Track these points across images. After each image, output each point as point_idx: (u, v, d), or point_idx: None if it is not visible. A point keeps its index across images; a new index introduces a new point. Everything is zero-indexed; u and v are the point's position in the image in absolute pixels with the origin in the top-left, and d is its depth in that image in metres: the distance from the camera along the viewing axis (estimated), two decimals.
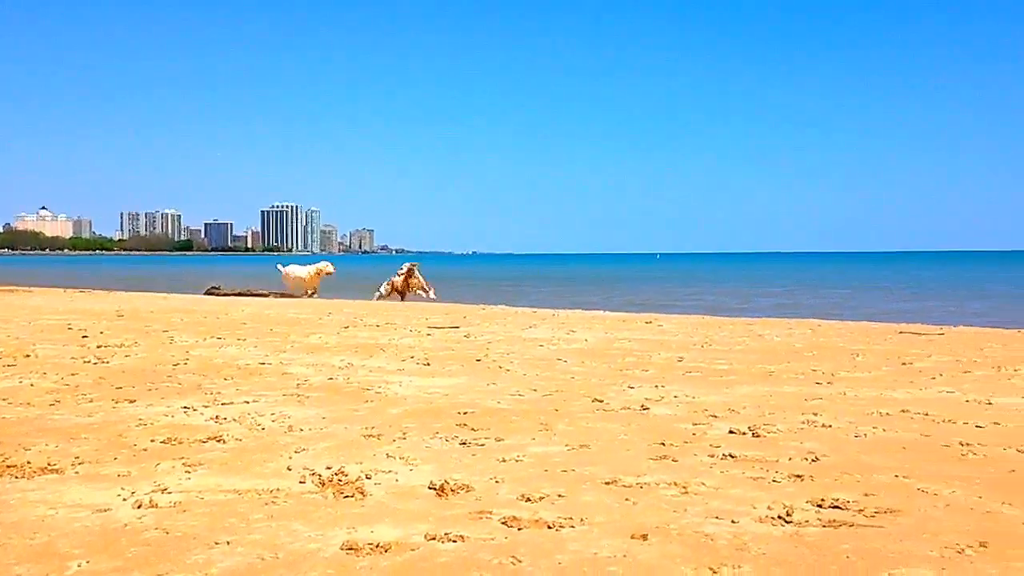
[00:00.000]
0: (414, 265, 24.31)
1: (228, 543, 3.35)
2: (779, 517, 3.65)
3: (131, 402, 6.44)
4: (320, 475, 4.33)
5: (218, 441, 5.13)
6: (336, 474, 4.34)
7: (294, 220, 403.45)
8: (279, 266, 26.62)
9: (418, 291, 23.84)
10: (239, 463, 4.62)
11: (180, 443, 5.08)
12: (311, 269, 25.59)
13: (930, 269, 73.13)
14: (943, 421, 5.73)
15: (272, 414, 5.96)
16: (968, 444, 5.00)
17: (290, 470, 4.46)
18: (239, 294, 25.58)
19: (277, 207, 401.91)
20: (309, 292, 25.16)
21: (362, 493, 4.03)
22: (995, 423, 5.65)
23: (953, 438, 5.17)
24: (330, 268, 25.75)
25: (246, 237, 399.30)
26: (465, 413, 6.03)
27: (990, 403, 6.46)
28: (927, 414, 5.97)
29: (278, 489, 4.11)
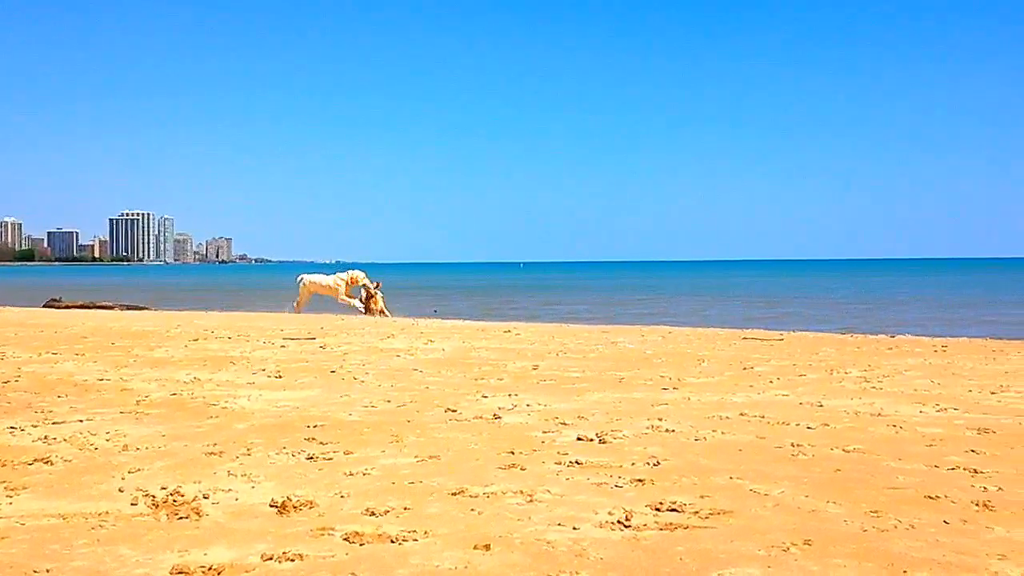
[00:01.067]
0: (359, 280, 21.48)
1: (48, 571, 3.17)
2: (619, 522, 3.73)
3: None
4: (154, 496, 4.15)
5: (45, 463, 4.84)
6: (171, 494, 4.16)
7: (146, 228, 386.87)
8: (300, 277, 22.51)
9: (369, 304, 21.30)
10: (66, 486, 4.37)
11: (3, 466, 4.78)
12: (343, 277, 21.73)
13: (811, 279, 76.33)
14: (777, 423, 6.00)
15: (107, 433, 5.68)
16: (799, 445, 5.26)
17: (122, 492, 4.25)
18: (82, 306, 24.33)
19: (127, 215, 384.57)
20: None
21: (198, 514, 3.88)
22: (825, 424, 5.96)
23: (786, 440, 5.42)
24: (362, 278, 21.66)
25: (93, 246, 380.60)
26: (315, 427, 5.91)
27: (821, 405, 6.82)
28: (763, 417, 6.24)
29: (107, 512, 3.91)
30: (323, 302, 22.28)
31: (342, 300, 21.51)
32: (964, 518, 3.79)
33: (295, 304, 22.06)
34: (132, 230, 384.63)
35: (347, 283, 21.60)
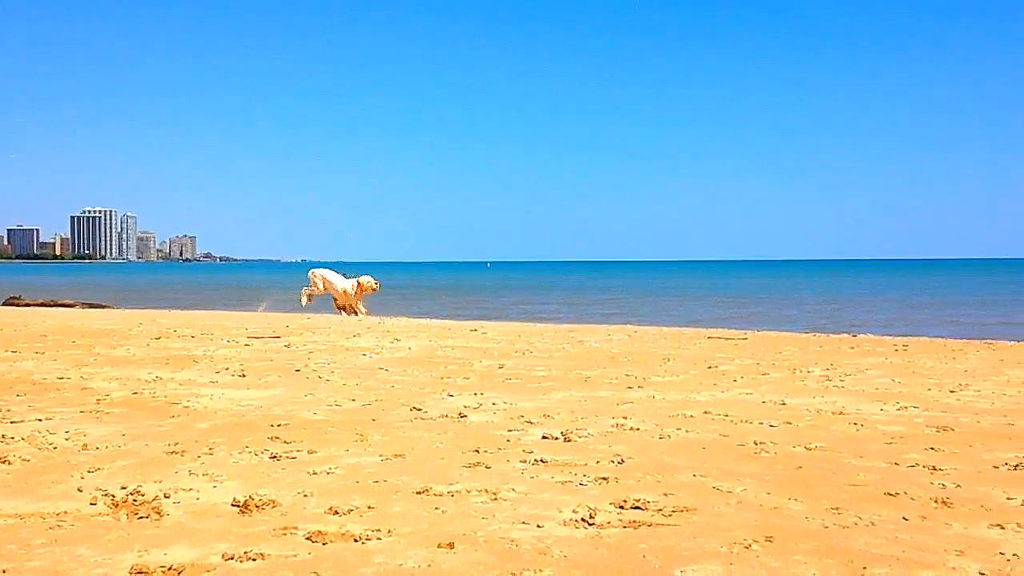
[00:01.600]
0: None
1: (4, 572, 3.11)
2: (583, 520, 3.73)
3: None
4: (114, 495, 4.09)
5: (3, 462, 4.76)
6: (132, 494, 4.11)
7: (108, 226, 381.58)
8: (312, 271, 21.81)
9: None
10: (24, 485, 4.30)
11: None
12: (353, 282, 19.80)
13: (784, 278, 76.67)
14: (741, 421, 6.05)
15: (66, 432, 5.59)
16: (761, 443, 5.30)
17: (81, 491, 4.19)
18: (42, 304, 23.95)
19: (89, 212, 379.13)
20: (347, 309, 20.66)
21: (159, 513, 3.84)
22: (787, 423, 6.02)
23: (749, 438, 5.47)
24: (374, 284, 19.18)
25: (54, 244, 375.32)
26: (278, 426, 5.86)
27: (784, 403, 6.88)
28: (727, 415, 6.29)
29: (66, 512, 3.85)
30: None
31: (352, 309, 20.46)
32: (923, 515, 3.84)
33: (305, 294, 20.99)
34: (94, 228, 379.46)
35: (359, 289, 20.58)
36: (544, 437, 5.50)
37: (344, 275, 20.82)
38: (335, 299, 20.62)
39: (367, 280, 20.11)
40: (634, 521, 3.72)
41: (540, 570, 3.14)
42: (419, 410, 6.50)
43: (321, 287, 20.71)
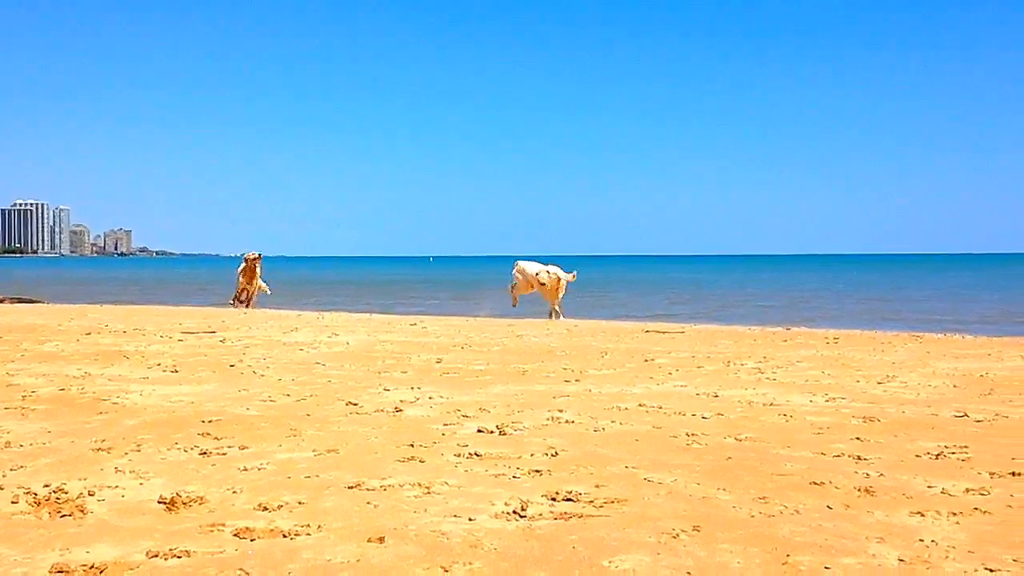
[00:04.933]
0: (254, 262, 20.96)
1: None
2: (514, 512, 3.75)
3: None
4: (36, 494, 4.00)
5: None
6: (54, 492, 4.02)
7: (40, 219, 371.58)
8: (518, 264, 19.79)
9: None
10: None
11: None
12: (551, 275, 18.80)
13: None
14: (674, 414, 6.13)
15: None
16: (693, 435, 5.38)
17: (2, 489, 4.09)
18: None
19: (20, 205, 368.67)
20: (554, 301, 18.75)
21: (82, 511, 3.76)
22: (719, 414, 6.12)
23: (681, 429, 5.54)
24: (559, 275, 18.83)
25: None
26: (210, 421, 5.78)
27: (716, 395, 6.99)
28: (661, 407, 6.37)
29: None
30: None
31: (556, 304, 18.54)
32: (847, 503, 3.93)
33: (555, 308, 18.64)
34: (25, 221, 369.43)
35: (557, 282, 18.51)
36: (479, 431, 5.51)
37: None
38: (541, 292, 19.16)
39: (558, 272, 18.46)
40: (565, 513, 3.75)
41: (470, 562, 3.15)
42: (355, 404, 6.47)
43: (520, 288, 19.27)
